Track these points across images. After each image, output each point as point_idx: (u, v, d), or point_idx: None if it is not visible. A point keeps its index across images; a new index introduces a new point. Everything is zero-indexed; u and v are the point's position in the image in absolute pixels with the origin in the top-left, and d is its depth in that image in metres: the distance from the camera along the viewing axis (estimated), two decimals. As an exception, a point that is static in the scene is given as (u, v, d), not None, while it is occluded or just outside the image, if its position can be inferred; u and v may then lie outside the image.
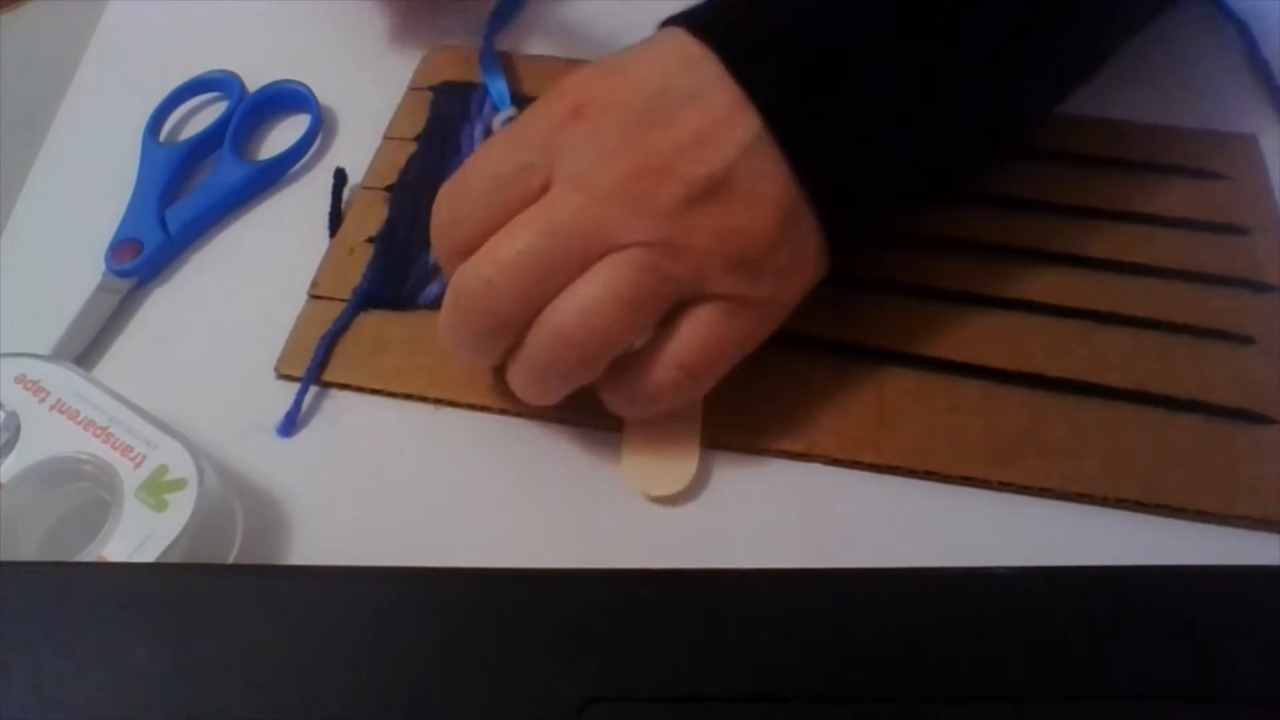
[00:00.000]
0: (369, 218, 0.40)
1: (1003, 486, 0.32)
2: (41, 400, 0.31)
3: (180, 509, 0.29)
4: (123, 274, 0.39)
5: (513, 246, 0.29)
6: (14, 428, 0.31)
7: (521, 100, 0.42)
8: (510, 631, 0.24)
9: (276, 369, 0.36)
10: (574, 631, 0.24)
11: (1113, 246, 0.38)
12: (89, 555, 0.29)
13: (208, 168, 0.42)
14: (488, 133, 0.42)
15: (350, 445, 0.35)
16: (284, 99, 0.44)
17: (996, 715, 0.23)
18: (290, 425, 0.35)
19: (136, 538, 0.29)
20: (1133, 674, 0.23)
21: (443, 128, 0.42)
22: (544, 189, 0.29)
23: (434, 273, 0.38)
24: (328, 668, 0.23)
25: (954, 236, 0.38)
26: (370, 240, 0.39)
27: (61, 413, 0.31)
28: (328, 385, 0.36)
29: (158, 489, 0.30)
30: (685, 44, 0.30)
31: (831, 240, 0.31)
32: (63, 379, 0.32)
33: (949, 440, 0.33)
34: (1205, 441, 0.33)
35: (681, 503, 0.33)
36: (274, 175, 0.42)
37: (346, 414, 0.35)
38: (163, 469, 0.30)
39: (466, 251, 0.30)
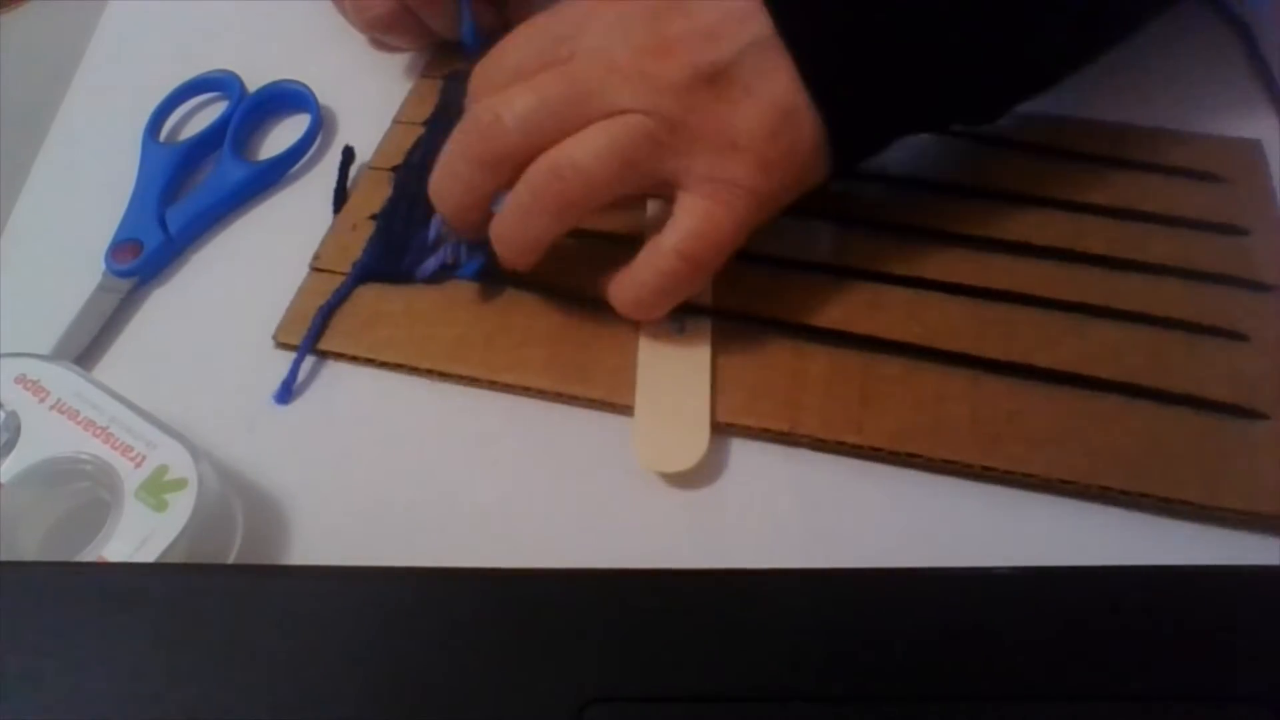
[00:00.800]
0: (374, 196, 0.40)
1: (985, 472, 0.32)
2: (41, 400, 0.31)
3: (180, 509, 0.29)
4: (123, 274, 0.39)
5: (526, 93, 0.32)
6: (14, 428, 0.31)
7: None
8: (510, 631, 0.24)
9: (275, 337, 0.37)
10: (574, 631, 0.24)
11: (1109, 242, 0.38)
12: (89, 555, 0.28)
13: (208, 168, 0.42)
14: None
15: (347, 420, 0.35)
16: (284, 99, 0.44)
17: (996, 715, 0.23)
18: (287, 392, 0.35)
19: (136, 538, 0.29)
20: (1133, 674, 0.23)
21: (451, 113, 0.42)
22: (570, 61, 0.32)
23: (433, 248, 0.38)
24: (328, 668, 0.23)
25: (948, 228, 0.38)
26: (373, 217, 0.40)
27: (61, 413, 0.31)
28: (324, 354, 0.36)
29: (158, 489, 0.30)
30: None
31: (834, 144, 0.33)
32: (63, 379, 0.32)
33: (933, 425, 0.33)
34: (1193, 434, 0.33)
35: (691, 481, 0.33)
36: (274, 175, 0.42)
37: (343, 387, 0.36)
38: (163, 469, 0.30)
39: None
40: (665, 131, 0.31)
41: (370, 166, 0.42)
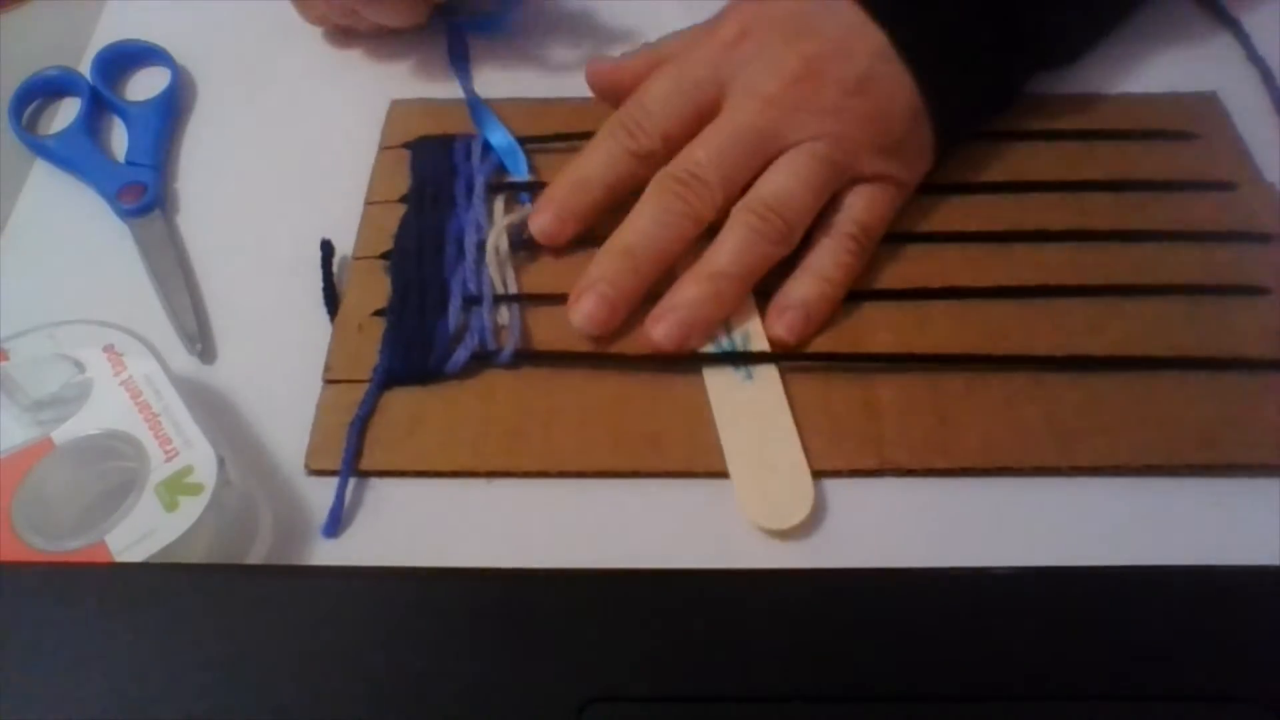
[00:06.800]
0: (370, 290, 0.37)
1: (1074, 471, 0.33)
2: (117, 374, 0.32)
3: (186, 514, 0.29)
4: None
5: (707, 147, 0.35)
6: (85, 394, 0.31)
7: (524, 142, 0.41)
8: (510, 631, 0.24)
9: (306, 465, 0.33)
10: (574, 631, 0.24)
11: (1114, 217, 0.38)
12: (95, 535, 0.28)
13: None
14: (488, 186, 0.39)
15: (403, 536, 0.32)
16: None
17: (997, 715, 0.23)
18: (335, 524, 0.32)
19: (139, 531, 0.29)
20: (1133, 674, 0.23)
21: (431, 185, 0.40)
22: (717, 102, 0.36)
23: (457, 337, 0.35)
24: (328, 668, 0.24)
25: (963, 228, 0.38)
26: (377, 314, 0.36)
27: (127, 390, 0.31)
28: (366, 474, 0.33)
29: (176, 488, 0.29)
30: None
31: (938, 136, 0.37)
32: (143, 360, 0.32)
33: (1013, 432, 0.33)
34: (1254, 397, 0.33)
35: (800, 532, 0.32)
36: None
37: (392, 503, 0.33)
38: (187, 469, 0.30)
39: (646, 152, 0.36)
40: (836, 149, 0.35)
41: (355, 257, 0.38)
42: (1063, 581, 0.25)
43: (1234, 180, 0.39)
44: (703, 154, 0.35)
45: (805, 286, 0.35)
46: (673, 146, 0.36)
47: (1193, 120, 0.41)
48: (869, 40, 0.36)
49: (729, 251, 0.35)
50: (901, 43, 0.36)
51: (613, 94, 0.39)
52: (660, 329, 0.34)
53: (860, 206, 0.36)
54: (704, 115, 0.36)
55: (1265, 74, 0.43)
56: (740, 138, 0.35)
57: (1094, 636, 0.24)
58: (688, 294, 0.35)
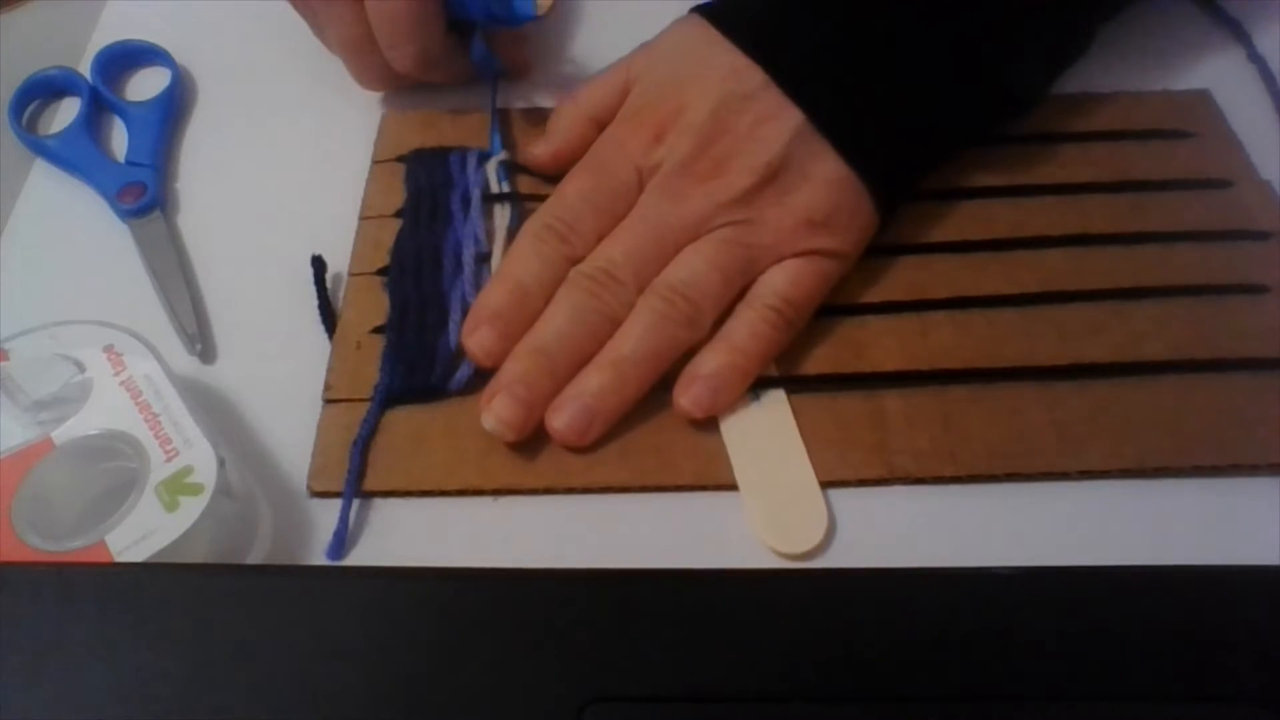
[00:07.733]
0: (368, 306, 0.37)
1: (1082, 476, 0.32)
2: (117, 373, 0.32)
3: (186, 514, 0.29)
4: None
5: (618, 245, 0.36)
6: (85, 393, 0.31)
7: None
8: (510, 631, 0.24)
9: (309, 487, 0.33)
10: (574, 631, 0.24)
11: (1112, 218, 0.38)
12: (95, 535, 0.28)
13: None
14: (485, 192, 0.39)
15: (409, 555, 0.32)
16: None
17: (996, 715, 0.23)
18: (340, 546, 0.32)
19: (139, 531, 0.29)
20: (1133, 674, 0.23)
21: (428, 198, 0.39)
22: (633, 198, 0.36)
23: (460, 353, 0.35)
24: (328, 668, 0.24)
25: (962, 236, 0.38)
26: (376, 330, 0.36)
27: (128, 390, 0.31)
28: (370, 495, 0.33)
29: (176, 488, 0.29)
30: (735, 58, 0.36)
31: (878, 198, 0.36)
32: (143, 360, 0.32)
33: (1020, 438, 0.33)
34: (1259, 397, 0.33)
35: (814, 556, 0.31)
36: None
37: (397, 523, 0.33)
38: (187, 469, 0.30)
39: (579, 256, 0.36)
40: (748, 232, 0.35)
41: (351, 273, 0.38)
42: (1063, 581, 0.25)
43: (1230, 178, 0.39)
44: (617, 253, 0.35)
45: (716, 357, 0.34)
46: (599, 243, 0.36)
47: (1187, 118, 0.41)
48: (785, 123, 0.35)
49: (633, 337, 0.34)
50: (820, 121, 0.35)
51: (556, 170, 0.39)
52: (562, 418, 0.33)
53: (783, 280, 0.35)
54: (620, 213, 0.36)
55: (1265, 73, 0.43)
56: (652, 234, 0.35)
57: (1094, 636, 0.24)
58: (591, 382, 0.34)
